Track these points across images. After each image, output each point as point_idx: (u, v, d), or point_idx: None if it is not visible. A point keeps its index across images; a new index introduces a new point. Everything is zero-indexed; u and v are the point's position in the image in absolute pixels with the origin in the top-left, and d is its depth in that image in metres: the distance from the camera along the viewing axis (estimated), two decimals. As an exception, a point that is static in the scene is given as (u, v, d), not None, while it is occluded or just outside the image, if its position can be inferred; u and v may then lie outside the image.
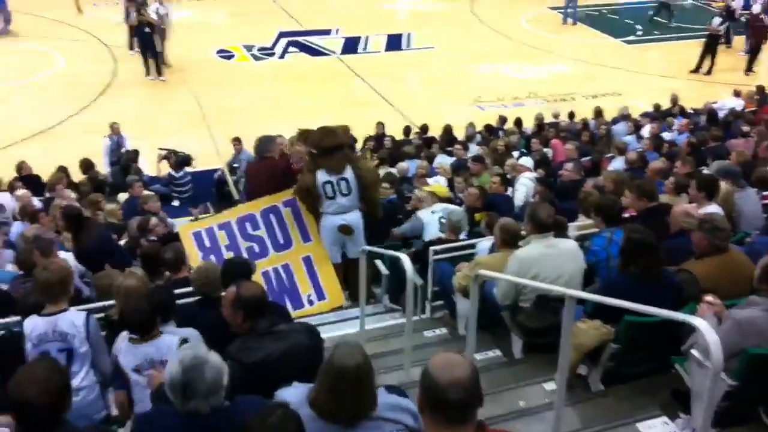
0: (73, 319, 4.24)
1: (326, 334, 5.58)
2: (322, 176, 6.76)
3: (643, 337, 4.35)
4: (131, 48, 18.30)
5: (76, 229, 6.95)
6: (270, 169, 7.41)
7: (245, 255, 6.50)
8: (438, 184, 8.61)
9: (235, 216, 6.83)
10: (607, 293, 4.18)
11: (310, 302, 6.76)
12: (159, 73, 17.21)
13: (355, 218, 6.97)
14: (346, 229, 6.94)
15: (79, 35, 20.08)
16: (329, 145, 6.78)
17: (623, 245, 4.66)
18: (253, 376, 3.68)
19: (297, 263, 6.81)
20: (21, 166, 11.05)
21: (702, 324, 3.19)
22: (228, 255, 6.41)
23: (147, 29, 16.88)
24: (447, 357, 2.47)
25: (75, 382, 4.10)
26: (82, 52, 18.91)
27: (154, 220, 8.22)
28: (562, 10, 23.45)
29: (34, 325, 4.22)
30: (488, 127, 14.20)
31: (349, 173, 6.83)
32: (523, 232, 5.70)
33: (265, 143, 7.63)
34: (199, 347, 3.10)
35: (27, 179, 10.75)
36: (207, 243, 6.51)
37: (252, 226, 6.81)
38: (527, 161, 10.21)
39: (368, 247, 6.21)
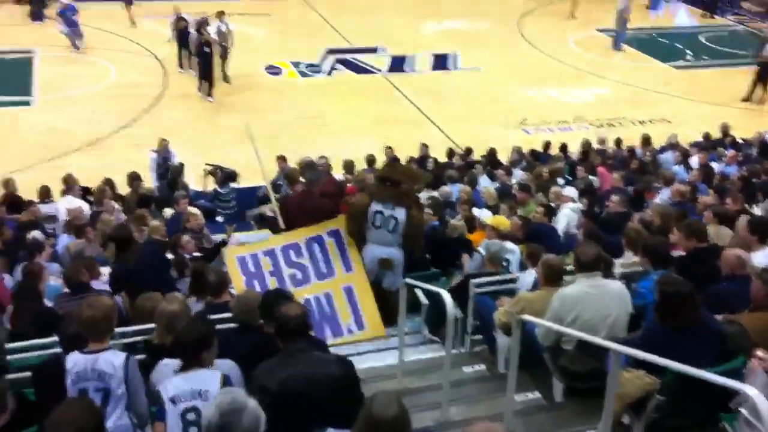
0: (112, 360, 4.20)
1: (365, 363, 5.60)
2: (375, 205, 6.91)
3: (688, 391, 4.24)
4: (181, 66, 18.50)
5: (120, 249, 7.06)
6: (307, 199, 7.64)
7: (288, 281, 6.55)
8: (498, 216, 8.42)
9: (280, 244, 6.91)
10: (647, 345, 4.08)
11: (350, 331, 6.78)
12: (209, 93, 17.24)
13: (396, 254, 7.03)
14: (386, 264, 7.01)
15: (132, 48, 20.48)
16: (386, 177, 7.06)
17: (658, 298, 4.54)
18: (278, 401, 3.68)
19: (338, 292, 6.85)
20: (67, 179, 11.20)
21: (752, 392, 3.09)
22: (272, 281, 6.47)
23: (207, 49, 16.90)
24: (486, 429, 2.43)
25: (110, 424, 4.08)
26: (134, 64, 19.25)
27: (185, 237, 8.31)
28: (612, 34, 23.21)
29: (75, 361, 4.21)
30: (533, 153, 14.10)
31: (400, 214, 6.91)
32: (568, 268, 5.62)
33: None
34: (238, 392, 3.10)
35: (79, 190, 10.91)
36: (251, 268, 6.57)
37: (296, 253, 6.89)
38: (571, 191, 10.07)
39: (409, 280, 6.17)
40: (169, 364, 4.35)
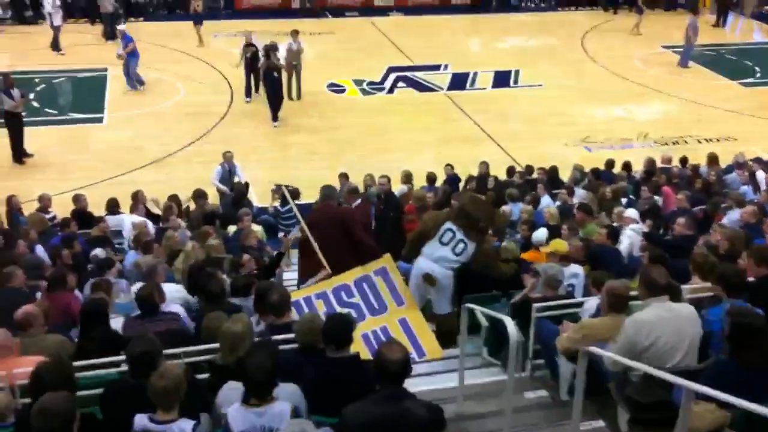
0: (184, 429, 4.18)
1: (424, 386, 5.60)
2: (451, 224, 7.20)
3: (762, 428, 4.13)
4: (248, 95, 18.45)
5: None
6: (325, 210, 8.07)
7: None
8: (556, 240, 8.30)
9: (331, 286, 7.02)
10: (717, 380, 3.99)
11: (412, 360, 6.76)
12: (275, 119, 17.37)
13: (444, 275, 7.26)
14: (429, 279, 7.25)
15: (200, 66, 21.01)
16: (468, 213, 7.28)
17: (729, 331, 4.42)
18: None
19: (394, 324, 6.91)
20: (142, 195, 11.52)
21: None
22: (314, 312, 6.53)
23: (276, 74, 17.08)
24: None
25: None
26: (202, 82, 19.73)
27: (246, 256, 8.44)
28: (679, 50, 22.80)
29: (144, 426, 4.20)
30: (595, 171, 13.89)
31: (471, 245, 7.21)
32: (633, 293, 5.53)
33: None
34: (308, 426, 3.13)
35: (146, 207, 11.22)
36: (306, 310, 6.63)
37: (347, 294, 7.01)
38: (633, 212, 9.87)
39: (472, 306, 6.17)
40: (235, 387, 4.39)
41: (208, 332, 5.60)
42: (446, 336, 7.30)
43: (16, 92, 14.73)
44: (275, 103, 17.24)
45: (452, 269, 7.29)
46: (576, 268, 7.59)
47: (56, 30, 21.55)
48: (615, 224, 9.49)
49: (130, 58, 18.54)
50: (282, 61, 17.59)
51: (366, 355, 6.06)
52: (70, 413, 3.91)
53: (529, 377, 6.52)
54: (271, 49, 17.13)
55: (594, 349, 4.75)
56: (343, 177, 12.64)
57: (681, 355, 4.74)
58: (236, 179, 13.01)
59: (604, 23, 27.39)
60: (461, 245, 7.17)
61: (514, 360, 5.10)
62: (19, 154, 14.98)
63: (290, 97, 18.45)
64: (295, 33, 18.58)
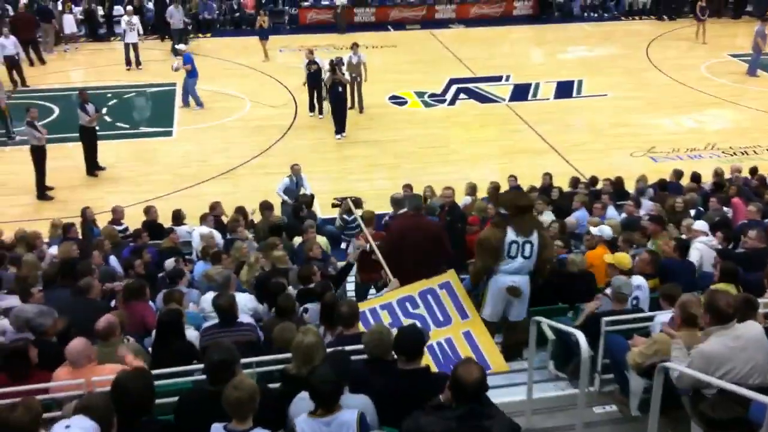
0: None
1: (493, 400, 5.57)
2: (510, 235, 7.08)
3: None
4: (311, 110, 18.68)
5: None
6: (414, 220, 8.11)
7: None
8: (619, 254, 8.20)
9: (395, 297, 7.07)
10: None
11: None
12: (342, 131, 17.54)
13: (524, 282, 7.24)
14: (514, 291, 7.20)
15: (265, 80, 21.42)
16: (523, 205, 7.16)
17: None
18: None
19: (458, 337, 6.97)
20: (214, 206, 11.71)
21: None
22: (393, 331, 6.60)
23: (340, 88, 17.30)
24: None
25: None
26: (267, 96, 20.08)
27: (314, 268, 8.55)
28: (747, 59, 22.25)
29: None
30: (662, 183, 13.64)
31: (534, 237, 7.12)
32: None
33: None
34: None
35: (215, 219, 11.46)
36: (371, 321, 6.71)
37: (412, 305, 7.05)
38: (702, 225, 9.65)
39: (540, 318, 6.15)
40: (306, 398, 4.43)
41: (280, 343, 5.72)
42: (515, 347, 7.29)
43: (90, 107, 15.24)
44: (340, 116, 17.45)
45: (528, 273, 7.26)
46: (639, 280, 7.47)
47: (127, 48, 22.25)
48: (684, 237, 9.32)
49: (189, 77, 18.96)
50: (346, 75, 17.78)
51: (431, 364, 6.13)
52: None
53: (599, 392, 6.44)
54: (336, 63, 17.45)
55: (671, 364, 4.69)
56: (407, 188, 12.70)
57: (757, 375, 4.66)
58: (302, 191, 13.19)
59: (669, 32, 26.94)
60: (528, 247, 7.13)
61: (586, 375, 5.05)
62: (93, 167, 15.49)
63: (350, 108, 18.60)
64: (355, 46, 18.87)
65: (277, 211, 12.31)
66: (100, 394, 4.15)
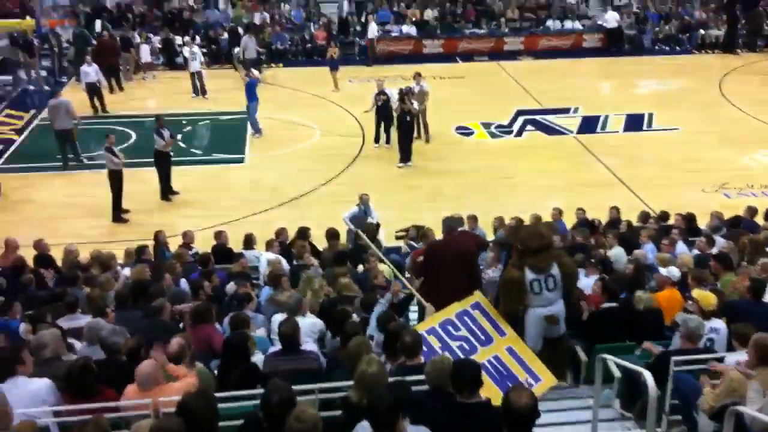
0: None
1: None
2: (529, 275, 7.20)
3: None
4: (377, 141, 18.82)
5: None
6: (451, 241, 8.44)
7: (458, 353, 6.73)
8: (705, 292, 7.97)
9: (437, 322, 7.12)
10: None
11: (530, 384, 6.80)
12: (407, 160, 17.72)
13: (559, 309, 7.37)
14: (552, 320, 7.32)
15: (335, 110, 21.78)
16: (537, 247, 7.25)
17: None
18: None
19: (504, 353, 7.02)
20: (280, 233, 11.92)
21: None
22: (444, 354, 6.60)
23: (408, 118, 17.48)
24: None
25: None
26: (336, 125, 20.41)
27: (377, 295, 8.59)
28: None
29: None
30: (735, 220, 13.26)
31: (555, 270, 7.25)
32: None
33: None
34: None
35: (281, 245, 11.64)
36: (424, 348, 6.74)
37: (454, 328, 7.13)
38: (783, 266, 9.31)
39: (607, 356, 6.05)
40: (366, 428, 4.47)
41: (348, 360, 5.76)
42: (558, 366, 7.25)
43: (166, 133, 15.75)
44: (406, 145, 17.61)
45: (561, 299, 7.39)
46: (718, 323, 7.26)
47: (192, 77, 22.93)
48: (760, 277, 9.02)
49: (250, 101, 19.35)
50: (414, 105, 17.94)
51: (490, 384, 6.16)
52: None
53: (665, 433, 6.30)
54: (405, 93, 17.66)
55: (744, 408, 4.56)
56: (472, 220, 12.69)
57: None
58: (369, 220, 13.29)
59: (743, 66, 26.36)
60: (551, 281, 7.24)
61: (653, 414, 4.94)
62: (166, 191, 15.96)
63: (417, 138, 18.70)
64: (417, 75, 19.01)
65: (343, 239, 12.44)
66: (174, 418, 4.24)
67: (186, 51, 23.11)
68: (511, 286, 7.30)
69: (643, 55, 28.51)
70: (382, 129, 18.68)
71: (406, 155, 17.64)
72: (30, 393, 5.64)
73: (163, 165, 15.88)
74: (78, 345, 7.27)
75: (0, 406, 4.56)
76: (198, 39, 26.95)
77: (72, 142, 17.65)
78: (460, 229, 9.75)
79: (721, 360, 6.14)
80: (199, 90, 23.07)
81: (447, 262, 8.20)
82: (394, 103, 17.96)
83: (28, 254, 11.07)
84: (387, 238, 13.32)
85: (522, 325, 7.36)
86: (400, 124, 17.65)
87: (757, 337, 5.35)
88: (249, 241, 11.72)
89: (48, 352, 6.31)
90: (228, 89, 23.31)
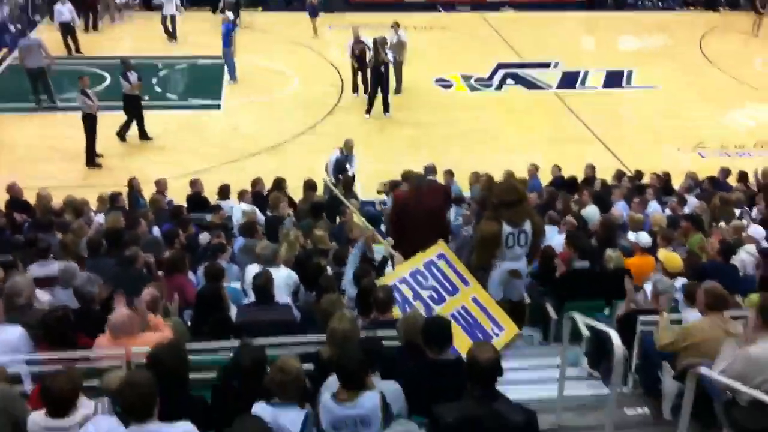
0: (295, 418, 4.31)
1: (523, 395, 5.61)
2: (506, 228, 7.39)
3: None
4: (354, 90, 18.63)
5: None
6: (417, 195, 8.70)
7: (430, 302, 6.87)
8: (671, 254, 8.04)
9: (407, 271, 7.18)
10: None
11: (496, 334, 7.04)
12: (386, 110, 17.58)
13: (523, 265, 7.67)
14: (516, 274, 7.58)
15: (313, 58, 21.48)
16: (512, 200, 7.43)
17: None
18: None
19: (469, 303, 7.13)
20: (255, 183, 11.88)
21: None
22: (417, 304, 6.68)
23: (383, 68, 17.24)
24: None
25: None
26: (315, 73, 20.15)
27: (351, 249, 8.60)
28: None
29: (261, 409, 4.35)
30: (712, 180, 13.36)
31: (527, 226, 7.48)
32: (744, 313, 5.38)
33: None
34: (413, 427, 3.23)
35: (256, 195, 11.59)
36: (397, 297, 6.83)
37: (422, 277, 7.19)
38: (757, 232, 9.35)
39: (575, 314, 6.13)
40: (336, 382, 4.46)
41: (321, 315, 5.80)
42: (517, 317, 7.43)
43: (133, 76, 15.49)
44: (373, 96, 17.45)
45: (525, 255, 7.65)
46: (683, 281, 7.38)
47: (164, 20, 22.36)
48: (730, 240, 9.12)
49: (224, 46, 18.98)
50: (389, 55, 17.72)
51: (462, 335, 6.34)
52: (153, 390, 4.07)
53: (632, 393, 6.42)
54: (380, 43, 17.30)
55: (704, 369, 4.67)
56: (448, 174, 12.70)
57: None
58: (349, 170, 13.24)
59: (725, 24, 26.31)
60: (523, 236, 7.46)
61: (619, 373, 5.04)
62: (143, 134, 15.87)
63: (396, 91, 18.60)
64: (396, 25, 18.63)
65: (320, 190, 12.40)
66: (144, 372, 4.26)
67: (161, -6, 22.44)
68: (491, 238, 7.43)
69: (625, 11, 28.32)
70: (359, 78, 18.47)
71: (371, 106, 17.48)
72: (2, 341, 5.63)
73: (133, 108, 15.65)
74: (43, 296, 7.15)
75: None
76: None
77: (45, 81, 17.32)
78: (429, 177, 10.12)
79: (680, 322, 6.23)
80: (171, 34, 22.53)
81: (417, 219, 8.42)
82: (370, 52, 17.71)
83: None
84: (365, 190, 13.31)
85: (485, 277, 7.53)
86: (374, 74, 17.42)
87: (706, 285, 5.55)
88: (224, 192, 11.64)
89: (22, 299, 6.27)
90: (206, 32, 22.86)
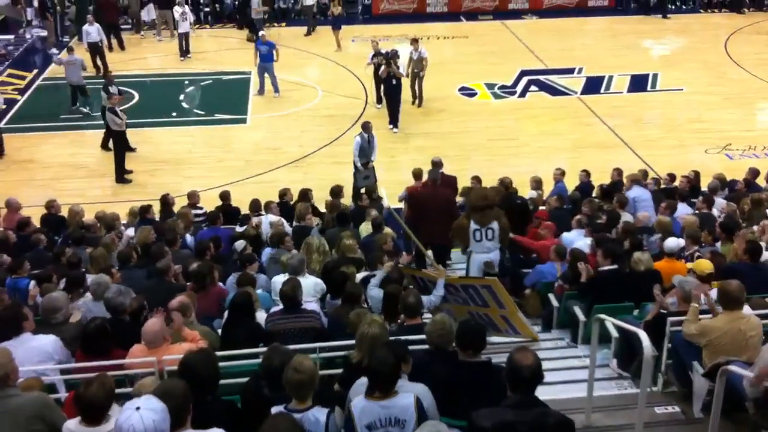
0: (318, 417, 4.37)
1: (553, 396, 5.62)
2: (473, 225, 8.89)
3: None
4: (379, 102, 18.62)
5: None
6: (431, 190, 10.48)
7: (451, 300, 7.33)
8: (701, 260, 7.91)
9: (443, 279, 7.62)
10: None
11: (507, 332, 7.79)
12: (395, 125, 17.56)
13: (495, 256, 8.98)
14: (489, 265, 8.81)
15: (337, 70, 21.64)
16: (481, 206, 8.94)
17: None
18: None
19: (495, 314, 7.68)
20: (284, 193, 12.03)
21: None
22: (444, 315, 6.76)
23: (394, 81, 17.29)
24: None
25: None
26: (338, 86, 20.25)
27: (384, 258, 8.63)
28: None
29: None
30: (747, 182, 13.13)
31: (495, 225, 8.92)
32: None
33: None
34: (442, 427, 3.25)
35: (283, 206, 11.69)
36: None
37: (455, 290, 7.74)
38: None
39: (604, 316, 6.12)
40: (365, 383, 4.49)
41: (351, 326, 5.85)
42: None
43: (114, 89, 15.79)
44: (393, 109, 17.47)
45: (497, 249, 9.04)
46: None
47: (180, 37, 22.54)
48: (758, 239, 9.03)
49: (268, 62, 19.21)
50: (402, 69, 17.74)
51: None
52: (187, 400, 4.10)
53: (661, 392, 6.39)
54: (392, 56, 17.41)
55: (735, 368, 4.64)
56: (476, 180, 12.69)
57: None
58: (373, 154, 13.74)
59: (750, 26, 26.05)
60: (490, 232, 8.90)
61: (648, 373, 5.02)
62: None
63: (413, 104, 18.66)
64: (414, 41, 18.67)
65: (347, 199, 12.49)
66: (178, 380, 4.32)
67: (176, 13, 22.54)
68: (460, 230, 9.06)
69: (649, 14, 28.15)
70: (382, 90, 18.55)
71: (394, 119, 17.49)
72: (37, 349, 5.74)
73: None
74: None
75: (7, 362, 4.64)
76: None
77: (85, 94, 17.92)
78: (440, 171, 11.32)
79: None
80: (184, 51, 22.60)
81: (433, 208, 10.08)
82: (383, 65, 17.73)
83: (31, 215, 11.14)
84: (387, 199, 13.30)
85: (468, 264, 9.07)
86: (387, 87, 17.47)
87: (723, 284, 5.68)
88: (255, 206, 11.69)
89: (60, 316, 6.38)
90: (232, 50, 23.12)
